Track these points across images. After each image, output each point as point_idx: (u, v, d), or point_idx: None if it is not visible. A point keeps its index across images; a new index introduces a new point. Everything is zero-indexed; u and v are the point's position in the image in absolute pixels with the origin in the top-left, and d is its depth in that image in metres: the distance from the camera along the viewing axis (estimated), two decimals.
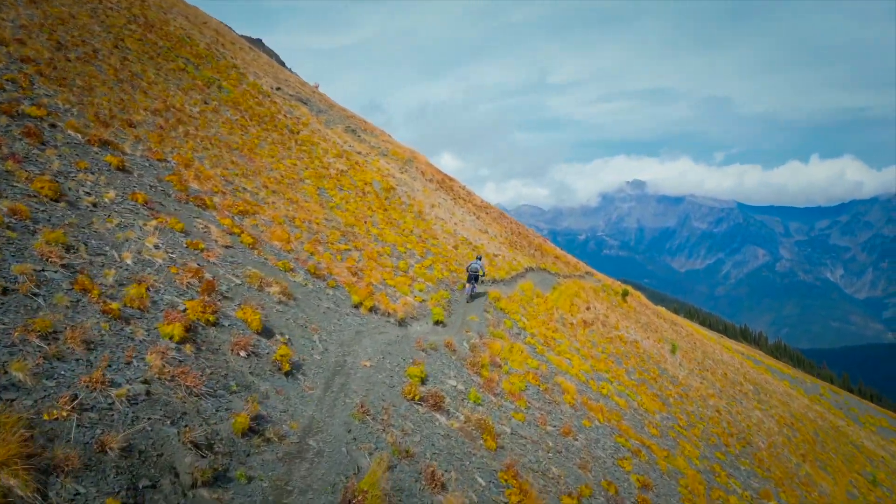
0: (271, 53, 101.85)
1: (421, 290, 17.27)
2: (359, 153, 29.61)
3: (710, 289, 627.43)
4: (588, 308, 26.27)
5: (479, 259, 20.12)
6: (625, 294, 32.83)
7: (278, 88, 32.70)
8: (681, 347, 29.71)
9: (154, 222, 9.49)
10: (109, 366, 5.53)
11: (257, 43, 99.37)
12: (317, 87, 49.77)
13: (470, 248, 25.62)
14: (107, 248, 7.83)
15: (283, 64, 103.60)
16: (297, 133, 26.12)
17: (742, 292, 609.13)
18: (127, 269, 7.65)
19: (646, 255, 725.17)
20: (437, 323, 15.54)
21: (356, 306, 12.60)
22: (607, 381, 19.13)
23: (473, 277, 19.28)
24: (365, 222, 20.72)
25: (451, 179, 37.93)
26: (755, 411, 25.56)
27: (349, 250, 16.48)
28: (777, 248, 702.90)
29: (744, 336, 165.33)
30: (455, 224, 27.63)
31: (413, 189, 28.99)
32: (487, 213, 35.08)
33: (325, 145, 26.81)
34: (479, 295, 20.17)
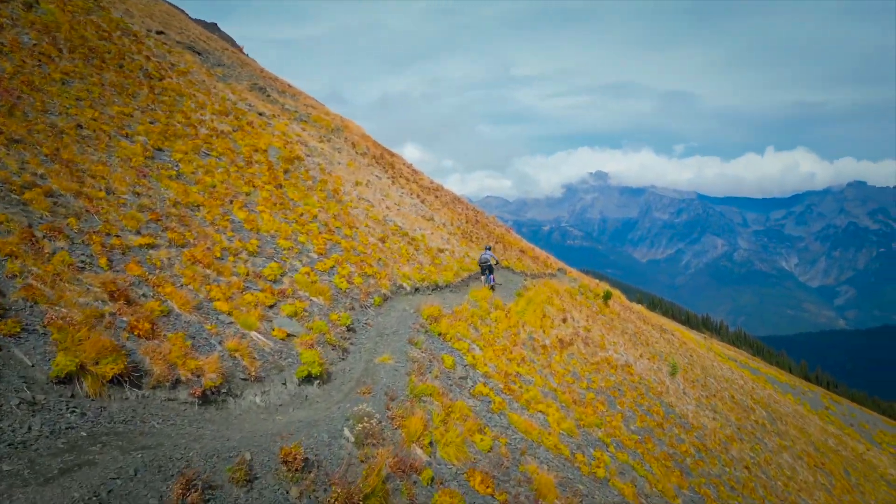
0: (227, 38, 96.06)
1: (295, 315, 10.09)
2: (261, 114, 22.07)
3: (671, 278, 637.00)
4: (565, 320, 19.60)
5: (489, 249, 19.74)
6: (607, 297, 26.41)
7: (160, 32, 24.77)
8: (678, 364, 23.37)
9: None
10: None
11: (212, 27, 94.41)
12: (241, 49, 41.68)
13: (405, 241, 18.57)
14: None
15: (240, 49, 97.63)
16: (160, 80, 18.43)
17: (702, 281, 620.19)
18: None
19: (609, 245, 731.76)
20: (307, 380, 8.46)
21: (58, 380, 5.38)
22: (601, 444, 12.38)
23: (487, 269, 19.08)
24: (230, 202, 13.37)
25: (392, 155, 30.68)
26: (783, 454, 19.55)
27: (153, 247, 9.17)
28: (735, 238, 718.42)
29: (705, 325, 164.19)
30: (387, 209, 20.44)
31: (332, 162, 21.64)
32: (437, 197, 28.02)
33: (202, 99, 19.20)
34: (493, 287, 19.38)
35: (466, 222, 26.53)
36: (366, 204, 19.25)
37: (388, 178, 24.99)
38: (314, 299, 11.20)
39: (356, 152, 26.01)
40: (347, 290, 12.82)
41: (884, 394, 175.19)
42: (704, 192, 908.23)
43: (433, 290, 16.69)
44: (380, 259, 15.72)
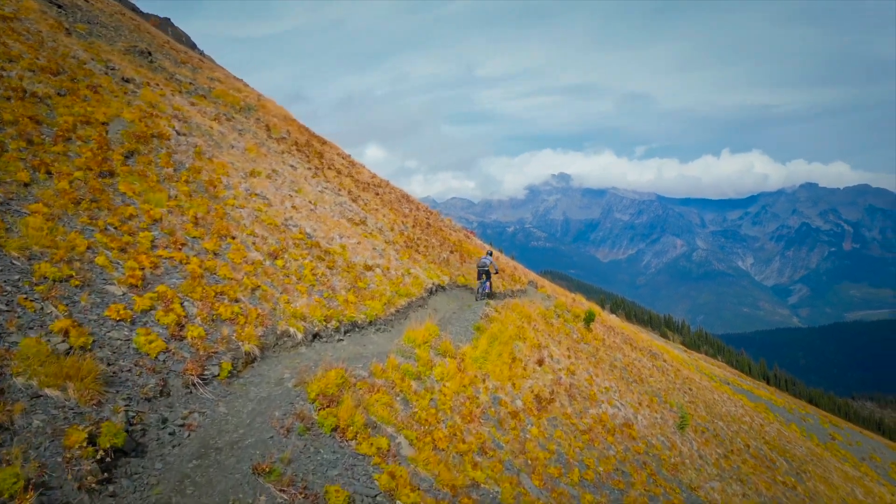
0: (181, 34, 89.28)
1: None
2: (125, 80, 15.86)
3: (631, 278, 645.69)
4: (541, 361, 14.15)
5: (490, 254, 18.90)
6: (589, 319, 21.11)
7: None
8: (686, 412, 18.24)
9: None
10: None
11: (165, 22, 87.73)
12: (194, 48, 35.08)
13: (314, 257, 12.73)
14: None
15: (193, 45, 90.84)
16: None
17: (662, 281, 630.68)
18: None
19: (571, 246, 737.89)
20: None
21: None
22: None
23: (485, 273, 17.85)
24: None
25: (323, 143, 24.73)
26: None
27: None
28: (694, 239, 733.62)
29: (668, 325, 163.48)
30: (293, 209, 14.50)
31: (221, 145, 15.58)
32: (378, 195, 22.21)
33: (17, 49, 12.93)
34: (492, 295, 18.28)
35: (414, 226, 20.83)
36: (258, 202, 13.31)
37: (310, 168, 19.05)
38: (48, 392, 5.36)
39: (269, 136, 19.99)
40: (162, 356, 6.99)
41: (837, 389, 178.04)
42: (664, 194, 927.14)
43: (348, 331, 10.97)
44: (257, 288, 9.88)
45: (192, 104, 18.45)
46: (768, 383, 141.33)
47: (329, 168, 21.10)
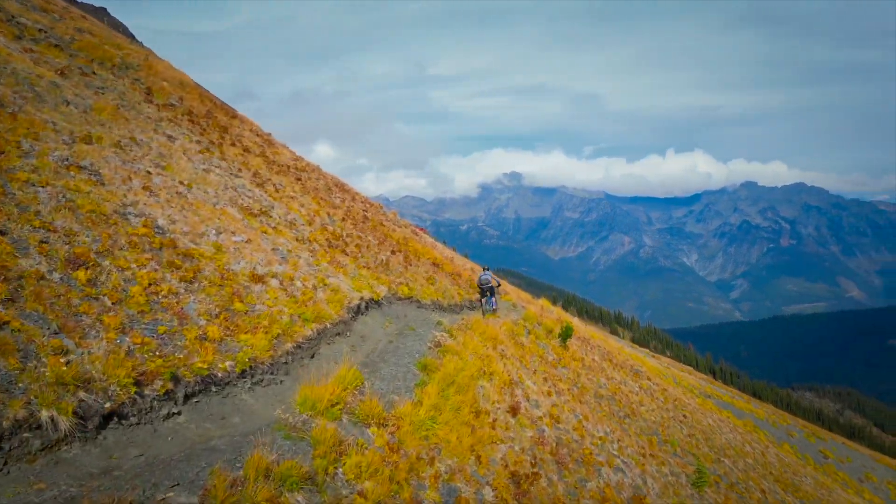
0: (117, 24, 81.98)
1: None
2: None
3: (582, 275, 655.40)
4: (515, 407, 9.81)
5: (487, 270, 17.50)
6: (566, 336, 16.98)
7: None
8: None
9: None
10: None
11: (101, 11, 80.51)
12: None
13: (160, 262, 7.98)
14: None
15: (132, 36, 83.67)
16: None
17: (611, 277, 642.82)
18: None
19: (524, 244, 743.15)
20: None
21: None
22: None
23: (488, 291, 16.94)
24: None
25: (233, 116, 19.65)
26: None
27: None
28: (641, 236, 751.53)
29: (618, 321, 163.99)
30: (145, 190, 9.55)
31: (45, 99, 10.54)
32: (299, 180, 17.36)
33: None
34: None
35: (345, 220, 16.11)
36: (81, 178, 8.41)
37: (199, 142, 14.06)
38: None
39: (148, 100, 14.86)
40: None
41: (778, 380, 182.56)
42: (612, 192, 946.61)
43: (195, 394, 6.31)
44: (3, 325, 5.13)
45: (28, 51, 13.18)
46: (714, 377, 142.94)
47: (233, 144, 16.13)
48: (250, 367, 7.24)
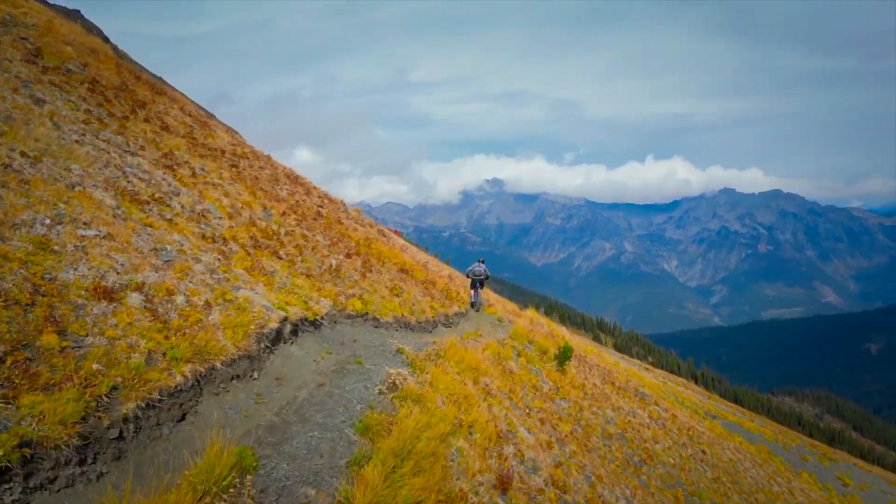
0: (91, 26, 78.17)
1: None
2: None
3: (564, 280, 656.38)
4: (506, 481, 6.70)
5: (482, 262, 17.11)
6: (563, 358, 13.76)
7: None
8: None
9: None
10: None
11: (74, 14, 76.76)
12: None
13: None
14: None
15: (107, 39, 79.78)
16: None
17: (592, 283, 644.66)
18: None
19: (506, 250, 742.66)
20: None
21: None
22: None
23: (478, 282, 16.88)
24: None
25: (160, 93, 16.20)
26: None
27: None
28: (622, 242, 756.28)
29: (601, 327, 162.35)
30: None
31: None
32: (234, 167, 13.99)
33: None
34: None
35: (285, 214, 12.71)
36: None
37: (88, 111, 10.68)
38: None
39: (30, 61, 11.48)
40: None
41: (758, 384, 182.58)
42: (592, 199, 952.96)
43: None
44: None
45: None
46: (696, 382, 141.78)
47: (147, 121, 12.72)
48: (28, 456, 3.93)
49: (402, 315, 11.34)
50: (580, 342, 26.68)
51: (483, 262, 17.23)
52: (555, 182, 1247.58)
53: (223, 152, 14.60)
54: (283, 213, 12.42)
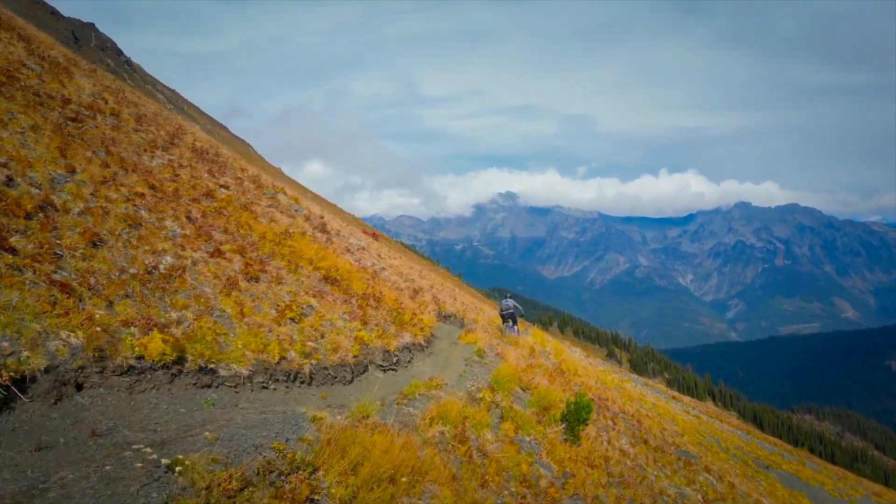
0: (105, 40, 76.86)
1: None
2: None
3: (577, 294, 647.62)
4: None
5: (509, 298, 17.30)
6: (577, 419, 8.74)
7: None
8: None
9: None
10: None
11: (88, 27, 76.00)
12: None
13: None
14: None
15: (119, 52, 77.77)
16: None
17: (606, 297, 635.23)
18: None
19: (519, 263, 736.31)
20: None
21: None
22: None
23: (510, 318, 16.77)
24: None
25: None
26: None
27: None
28: (636, 256, 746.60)
29: (615, 342, 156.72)
30: None
31: None
32: (76, 122, 9.08)
33: None
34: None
35: (111, 184, 7.82)
36: None
37: None
38: None
39: None
40: None
41: (774, 401, 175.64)
42: (606, 212, 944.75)
43: None
44: None
45: None
46: (714, 399, 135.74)
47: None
48: None
49: (284, 356, 6.32)
50: (598, 371, 21.49)
51: (511, 298, 17.29)
52: (568, 195, 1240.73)
53: (66, 102, 9.72)
54: (108, 182, 7.47)
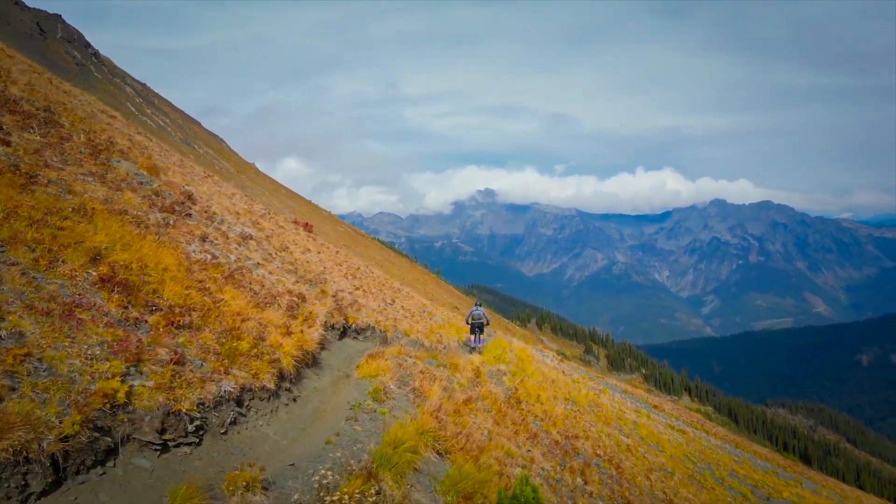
0: (72, 32, 72.88)
1: None
2: None
3: (556, 291, 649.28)
4: None
5: (479, 306, 16.66)
6: None
7: None
8: None
9: None
10: None
11: (55, 18, 71.92)
12: None
13: None
14: None
15: (87, 45, 73.70)
16: None
17: (584, 293, 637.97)
18: None
19: (498, 260, 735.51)
20: None
21: None
22: None
23: (478, 327, 16.14)
24: None
25: None
26: None
27: None
28: (613, 252, 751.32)
29: (593, 339, 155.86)
30: None
31: None
32: None
33: None
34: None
35: None
36: None
37: None
38: None
39: None
40: None
41: (750, 396, 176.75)
42: (584, 209, 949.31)
43: None
44: None
45: None
46: (690, 395, 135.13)
47: None
48: None
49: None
50: (569, 385, 18.02)
51: (481, 306, 16.74)
52: (546, 193, 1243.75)
53: None
54: None
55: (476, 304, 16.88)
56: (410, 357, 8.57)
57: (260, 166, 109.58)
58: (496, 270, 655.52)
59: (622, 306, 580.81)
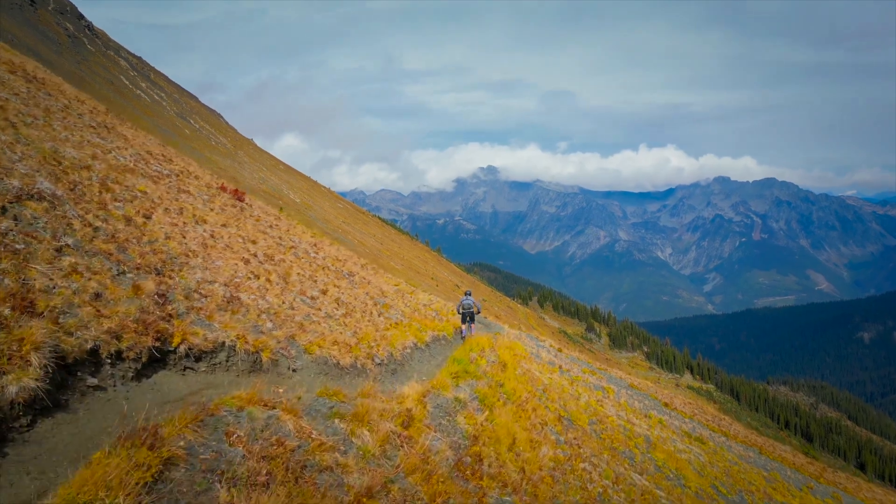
0: (64, 3, 71.66)
1: None
2: None
3: (558, 268, 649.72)
4: None
5: (469, 295, 17.20)
6: None
7: None
8: None
9: None
10: None
11: None
12: None
13: None
14: None
15: (80, 17, 72.66)
16: None
17: (586, 271, 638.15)
18: None
19: (501, 237, 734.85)
20: None
21: None
22: None
23: (468, 316, 16.56)
24: None
25: None
26: None
27: None
28: (616, 230, 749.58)
29: (594, 317, 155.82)
30: None
31: None
32: None
33: None
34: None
35: None
36: None
37: None
38: None
39: None
40: None
41: (751, 373, 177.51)
42: (587, 187, 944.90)
43: None
44: None
45: None
46: (692, 373, 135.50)
47: None
48: None
49: None
50: (566, 392, 17.58)
51: (470, 295, 17.05)
52: (549, 170, 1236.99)
53: None
54: None
55: (466, 293, 17.16)
56: (267, 409, 5.17)
57: (258, 142, 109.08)
58: (498, 248, 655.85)
59: (624, 284, 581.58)
